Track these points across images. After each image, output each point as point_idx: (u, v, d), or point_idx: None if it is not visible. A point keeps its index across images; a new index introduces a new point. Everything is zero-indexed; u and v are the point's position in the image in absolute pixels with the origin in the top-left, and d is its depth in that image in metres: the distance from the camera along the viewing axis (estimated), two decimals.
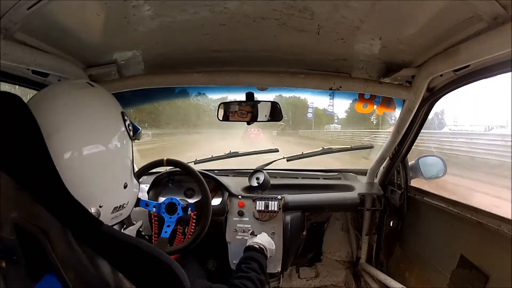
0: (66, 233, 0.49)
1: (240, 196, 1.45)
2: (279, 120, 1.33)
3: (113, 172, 0.62)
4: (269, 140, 10.19)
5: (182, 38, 0.94)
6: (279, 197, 1.43)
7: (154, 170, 1.37)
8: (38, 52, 0.83)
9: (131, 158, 0.68)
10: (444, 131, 7.49)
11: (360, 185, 1.59)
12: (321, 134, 15.20)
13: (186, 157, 1.61)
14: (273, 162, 1.72)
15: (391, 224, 1.56)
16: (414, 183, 1.45)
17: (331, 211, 1.75)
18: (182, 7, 0.75)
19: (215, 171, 1.64)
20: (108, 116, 0.62)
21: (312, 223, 1.77)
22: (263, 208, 1.40)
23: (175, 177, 1.50)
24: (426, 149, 4.55)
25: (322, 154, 1.74)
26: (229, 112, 1.32)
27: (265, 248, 1.12)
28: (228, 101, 1.35)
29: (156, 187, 1.46)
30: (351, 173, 1.74)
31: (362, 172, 1.69)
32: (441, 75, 1.00)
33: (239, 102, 1.31)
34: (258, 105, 1.29)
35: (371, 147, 1.91)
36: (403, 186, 1.45)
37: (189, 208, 1.24)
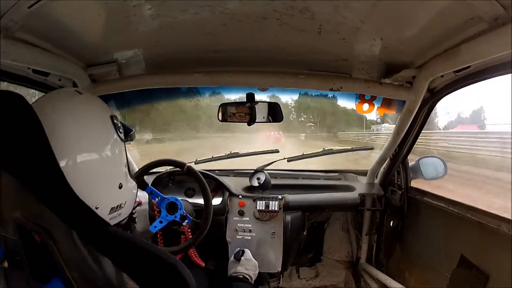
0: (71, 233, 0.49)
1: (240, 196, 1.45)
2: (279, 121, 1.33)
3: (106, 175, 0.63)
4: (296, 146, 7.43)
5: (182, 38, 0.94)
6: (279, 197, 1.43)
7: (154, 170, 1.37)
8: (39, 51, 0.83)
9: (124, 159, 0.68)
10: None
11: (361, 186, 1.59)
12: (375, 137, 10.04)
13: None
14: (274, 163, 1.72)
15: (391, 224, 1.56)
16: (414, 183, 1.46)
17: (332, 211, 1.75)
18: (182, 7, 0.75)
19: (216, 171, 1.64)
20: (96, 121, 0.63)
21: (312, 223, 1.77)
22: (263, 208, 1.40)
23: (175, 177, 1.50)
24: None
25: (323, 155, 1.74)
26: (229, 113, 1.32)
27: (250, 277, 1.14)
28: (227, 102, 1.35)
29: (157, 187, 1.46)
30: (351, 174, 1.74)
31: (363, 173, 1.69)
32: (442, 76, 1.00)
33: (239, 103, 1.31)
34: (258, 106, 1.29)
35: (371, 148, 1.91)
36: (403, 186, 1.45)
37: (186, 221, 1.22)
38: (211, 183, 1.42)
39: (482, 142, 6.98)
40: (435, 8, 0.69)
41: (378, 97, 1.22)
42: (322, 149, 1.73)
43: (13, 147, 0.49)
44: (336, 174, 1.75)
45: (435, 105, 1.17)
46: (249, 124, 1.33)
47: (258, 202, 1.41)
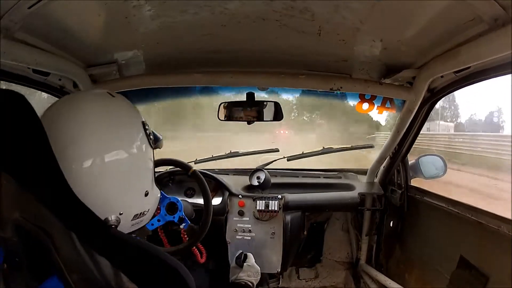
0: (70, 234, 0.48)
1: (240, 196, 1.45)
2: (280, 120, 1.33)
3: (134, 181, 0.62)
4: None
5: (182, 38, 0.94)
6: (279, 196, 1.43)
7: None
8: (39, 52, 0.83)
9: (152, 166, 0.68)
10: None
11: (360, 185, 1.59)
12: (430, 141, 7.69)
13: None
14: (274, 162, 1.72)
15: (391, 225, 1.56)
16: (414, 182, 1.46)
17: (331, 210, 1.75)
18: (182, 8, 0.75)
19: (216, 171, 1.64)
20: (129, 126, 0.63)
21: (312, 223, 1.77)
22: (263, 208, 1.40)
23: (175, 177, 1.49)
24: None
25: (323, 154, 1.73)
26: (229, 112, 1.32)
27: (252, 283, 1.13)
28: (228, 101, 1.35)
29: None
30: (351, 173, 1.74)
31: (362, 172, 1.69)
32: (442, 76, 1.00)
33: (240, 103, 1.30)
34: (259, 105, 1.29)
35: (371, 146, 1.90)
36: (403, 185, 1.45)
37: (184, 224, 1.20)
38: (211, 183, 1.42)
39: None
40: (435, 9, 0.69)
41: (378, 96, 1.22)
42: (322, 148, 1.74)
43: (13, 147, 0.48)
44: (336, 173, 1.75)
45: (435, 104, 1.19)
46: (249, 123, 1.32)
47: (258, 201, 1.41)
